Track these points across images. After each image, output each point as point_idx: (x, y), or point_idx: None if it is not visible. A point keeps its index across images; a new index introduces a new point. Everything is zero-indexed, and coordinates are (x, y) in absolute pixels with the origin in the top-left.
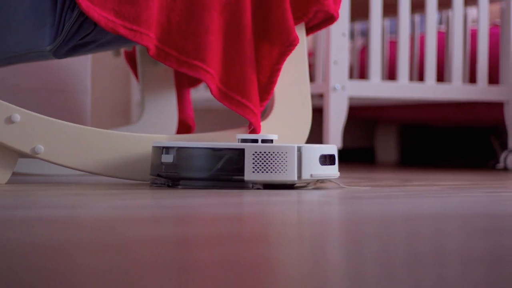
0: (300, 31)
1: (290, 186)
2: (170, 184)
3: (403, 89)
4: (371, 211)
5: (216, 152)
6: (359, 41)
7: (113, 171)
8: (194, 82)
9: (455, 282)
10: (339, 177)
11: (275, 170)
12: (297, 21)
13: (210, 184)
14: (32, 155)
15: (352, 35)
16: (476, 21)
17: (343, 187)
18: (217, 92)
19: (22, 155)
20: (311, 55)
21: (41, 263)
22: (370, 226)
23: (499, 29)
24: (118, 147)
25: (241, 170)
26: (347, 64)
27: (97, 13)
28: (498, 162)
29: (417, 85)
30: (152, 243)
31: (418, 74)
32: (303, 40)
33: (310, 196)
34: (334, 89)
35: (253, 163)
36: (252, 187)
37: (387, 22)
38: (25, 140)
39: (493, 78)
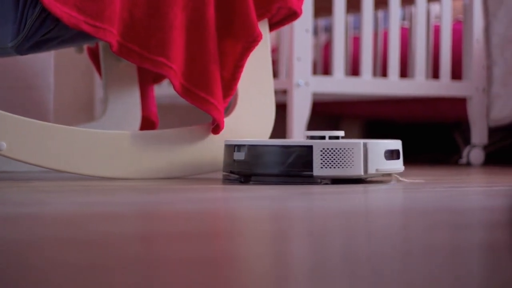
0: (263, 27)
1: (357, 181)
2: (242, 180)
3: (367, 85)
4: (331, 207)
5: (286, 149)
6: (323, 37)
7: (76, 168)
8: (158, 78)
9: (417, 276)
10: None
11: (342, 165)
12: (260, 17)
13: (281, 180)
14: None
15: (315, 31)
16: (439, 17)
17: (403, 181)
18: (180, 88)
19: None
20: (275, 51)
21: (9, 258)
22: (330, 221)
23: (462, 25)
24: (80, 143)
25: (309, 166)
26: (310, 60)
27: (60, 9)
28: (461, 157)
29: (380, 80)
30: (122, 239)
31: (382, 70)
32: (266, 36)
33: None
34: (298, 85)
35: (321, 159)
36: (321, 182)
37: (351, 18)
38: None
39: (456, 73)
